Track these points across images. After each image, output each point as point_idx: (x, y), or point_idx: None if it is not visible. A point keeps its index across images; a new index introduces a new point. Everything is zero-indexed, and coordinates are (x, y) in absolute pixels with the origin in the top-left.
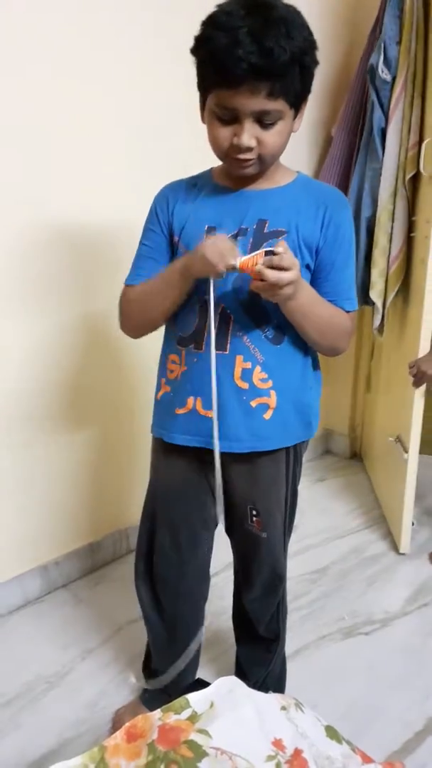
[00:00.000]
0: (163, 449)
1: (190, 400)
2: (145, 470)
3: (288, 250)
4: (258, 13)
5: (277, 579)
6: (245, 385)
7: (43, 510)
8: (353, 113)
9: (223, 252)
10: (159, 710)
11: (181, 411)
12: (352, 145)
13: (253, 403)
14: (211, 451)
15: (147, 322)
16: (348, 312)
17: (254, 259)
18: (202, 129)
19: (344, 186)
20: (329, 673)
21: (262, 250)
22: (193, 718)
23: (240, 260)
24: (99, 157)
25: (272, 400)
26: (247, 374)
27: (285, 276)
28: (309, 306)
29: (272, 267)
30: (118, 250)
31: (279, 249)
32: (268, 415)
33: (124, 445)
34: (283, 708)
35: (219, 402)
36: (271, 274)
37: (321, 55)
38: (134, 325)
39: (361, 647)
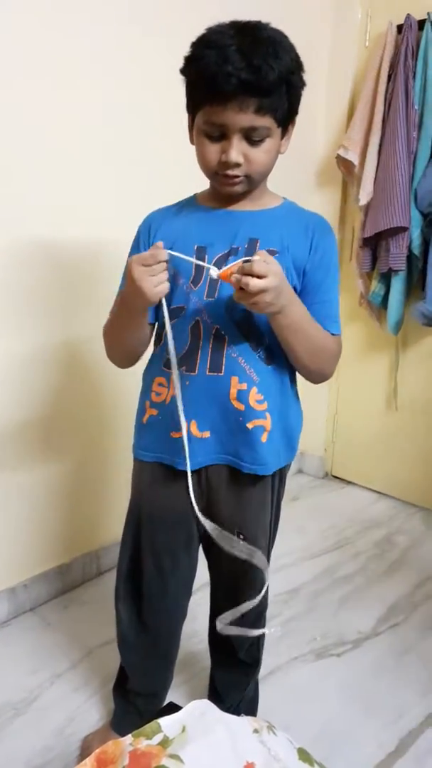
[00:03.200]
0: (148, 472)
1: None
2: (116, 491)
3: (269, 258)
4: (247, 33)
5: (260, 603)
6: (241, 407)
7: (11, 531)
8: (405, 142)
9: (146, 272)
10: (130, 735)
11: (176, 435)
12: (410, 170)
13: (250, 425)
14: (200, 471)
15: (124, 354)
16: (333, 335)
17: (231, 269)
18: (183, 148)
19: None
20: (301, 694)
21: (240, 260)
22: (165, 742)
23: (220, 271)
24: (79, 179)
25: (267, 422)
26: (242, 395)
27: (257, 283)
28: (300, 324)
29: (246, 274)
30: (98, 274)
31: (255, 257)
32: (264, 438)
33: (94, 466)
34: (256, 731)
35: (216, 423)
36: (244, 280)
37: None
38: (115, 355)
39: (334, 668)
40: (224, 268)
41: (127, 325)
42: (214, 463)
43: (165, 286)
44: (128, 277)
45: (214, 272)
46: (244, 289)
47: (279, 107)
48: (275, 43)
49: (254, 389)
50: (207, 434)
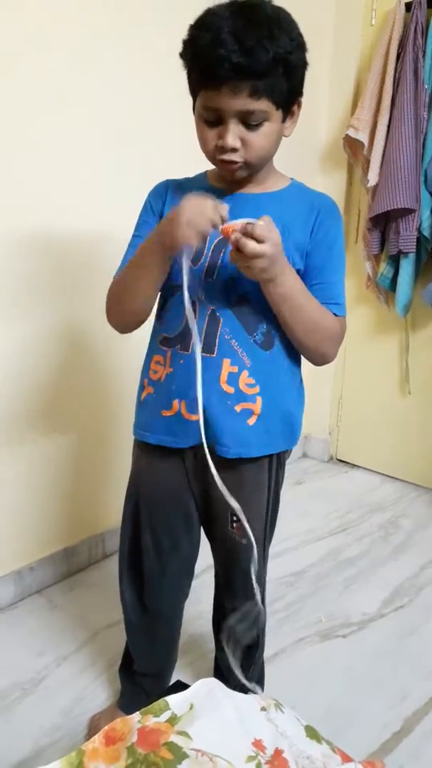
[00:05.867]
0: (146, 452)
1: (176, 403)
2: (122, 474)
3: (271, 224)
4: (242, 13)
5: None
6: (231, 390)
7: (17, 514)
8: (414, 122)
9: (198, 221)
10: (138, 713)
11: (167, 413)
12: (419, 151)
13: (238, 408)
14: (195, 452)
15: (129, 310)
16: (337, 316)
17: (234, 226)
18: (184, 134)
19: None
20: (307, 675)
21: (244, 219)
22: (173, 720)
23: (222, 225)
24: (82, 164)
25: (257, 406)
26: (233, 378)
27: (256, 247)
28: (294, 295)
29: (247, 236)
30: (100, 256)
31: (260, 222)
32: (251, 421)
33: (100, 448)
34: (263, 708)
35: (207, 403)
36: (244, 242)
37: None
38: (118, 314)
39: (339, 649)
40: (227, 224)
41: (145, 271)
42: (197, 443)
43: (196, 237)
44: (176, 209)
45: (223, 216)
46: (240, 251)
47: (276, 89)
48: (272, 22)
49: (245, 373)
50: (195, 417)
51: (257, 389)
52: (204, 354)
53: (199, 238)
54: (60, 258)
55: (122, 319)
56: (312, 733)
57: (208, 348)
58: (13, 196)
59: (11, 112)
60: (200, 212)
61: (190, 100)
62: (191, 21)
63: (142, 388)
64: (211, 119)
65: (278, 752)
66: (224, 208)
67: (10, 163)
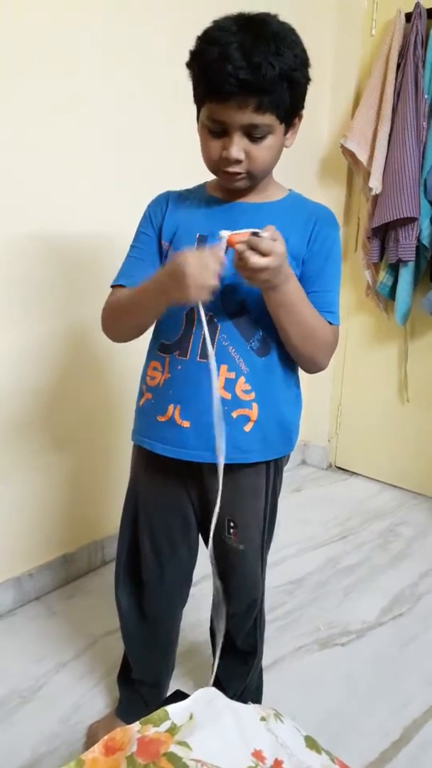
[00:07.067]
0: (144, 457)
1: (170, 408)
2: (121, 481)
3: (277, 235)
4: (250, 29)
5: (254, 592)
6: (227, 396)
7: (16, 521)
8: (415, 132)
9: (206, 278)
10: (138, 722)
11: (162, 419)
12: (420, 160)
13: (234, 414)
14: (189, 462)
15: (125, 330)
16: (331, 325)
17: (241, 236)
18: (185, 137)
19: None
20: (306, 684)
21: (250, 230)
22: (173, 730)
23: (229, 233)
24: (83, 168)
25: (253, 412)
26: (230, 384)
27: (260, 261)
28: (294, 303)
29: (253, 249)
30: (100, 262)
31: (264, 234)
32: (248, 428)
33: (100, 455)
34: (263, 719)
35: (199, 411)
36: (248, 255)
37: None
38: (112, 330)
39: (338, 658)
40: (234, 232)
41: (152, 308)
42: (192, 460)
43: (208, 293)
44: (178, 268)
45: (224, 233)
46: (245, 261)
47: (280, 104)
48: (278, 38)
49: (242, 379)
50: (187, 424)
51: (252, 395)
52: (202, 360)
53: (210, 293)
54: (59, 260)
55: (119, 335)
56: (312, 743)
57: (205, 354)
58: (13, 196)
59: (11, 113)
60: (204, 268)
61: (191, 103)
62: (193, 23)
63: (140, 394)
64: (215, 130)
65: (278, 763)
66: (222, 248)
67: (10, 164)
